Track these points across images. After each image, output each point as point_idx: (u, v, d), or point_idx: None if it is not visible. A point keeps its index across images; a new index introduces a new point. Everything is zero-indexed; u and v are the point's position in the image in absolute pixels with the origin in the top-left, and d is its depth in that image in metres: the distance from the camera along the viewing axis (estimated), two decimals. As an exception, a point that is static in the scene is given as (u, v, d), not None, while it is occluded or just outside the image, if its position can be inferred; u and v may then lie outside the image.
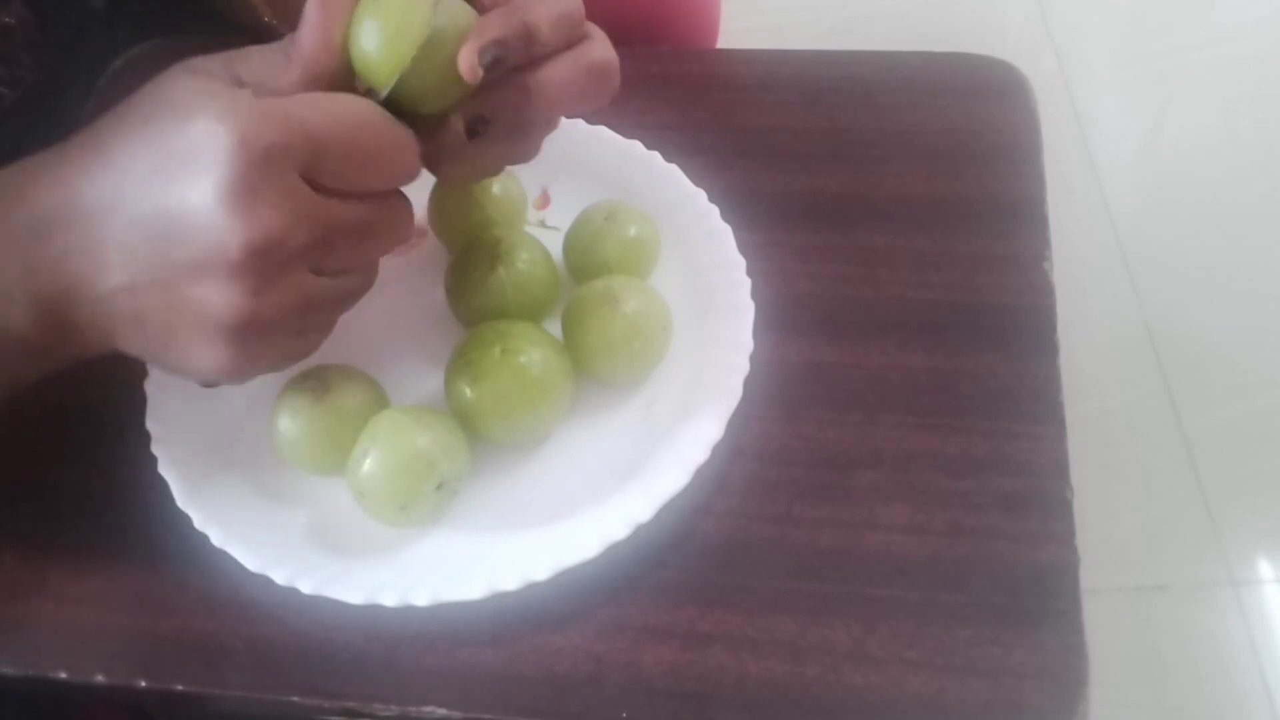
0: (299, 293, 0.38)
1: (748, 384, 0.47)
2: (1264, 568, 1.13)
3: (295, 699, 0.43)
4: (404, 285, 0.54)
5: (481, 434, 0.46)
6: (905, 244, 0.54)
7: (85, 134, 0.38)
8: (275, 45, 0.39)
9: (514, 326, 0.47)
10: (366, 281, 0.42)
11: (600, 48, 0.42)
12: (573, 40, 0.41)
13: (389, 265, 0.54)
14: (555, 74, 0.40)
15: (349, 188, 0.38)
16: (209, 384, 0.42)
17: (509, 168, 0.53)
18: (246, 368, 0.39)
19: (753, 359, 0.47)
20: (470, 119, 0.40)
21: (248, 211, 0.35)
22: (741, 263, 0.50)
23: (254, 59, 0.39)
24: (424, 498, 0.43)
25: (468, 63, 0.38)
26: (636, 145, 0.55)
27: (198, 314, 0.37)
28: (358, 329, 0.52)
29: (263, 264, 0.36)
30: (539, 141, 0.45)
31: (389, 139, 0.38)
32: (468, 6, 0.39)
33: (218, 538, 0.44)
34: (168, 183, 0.35)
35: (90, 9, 0.39)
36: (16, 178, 0.39)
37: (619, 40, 0.45)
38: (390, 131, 0.38)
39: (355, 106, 0.38)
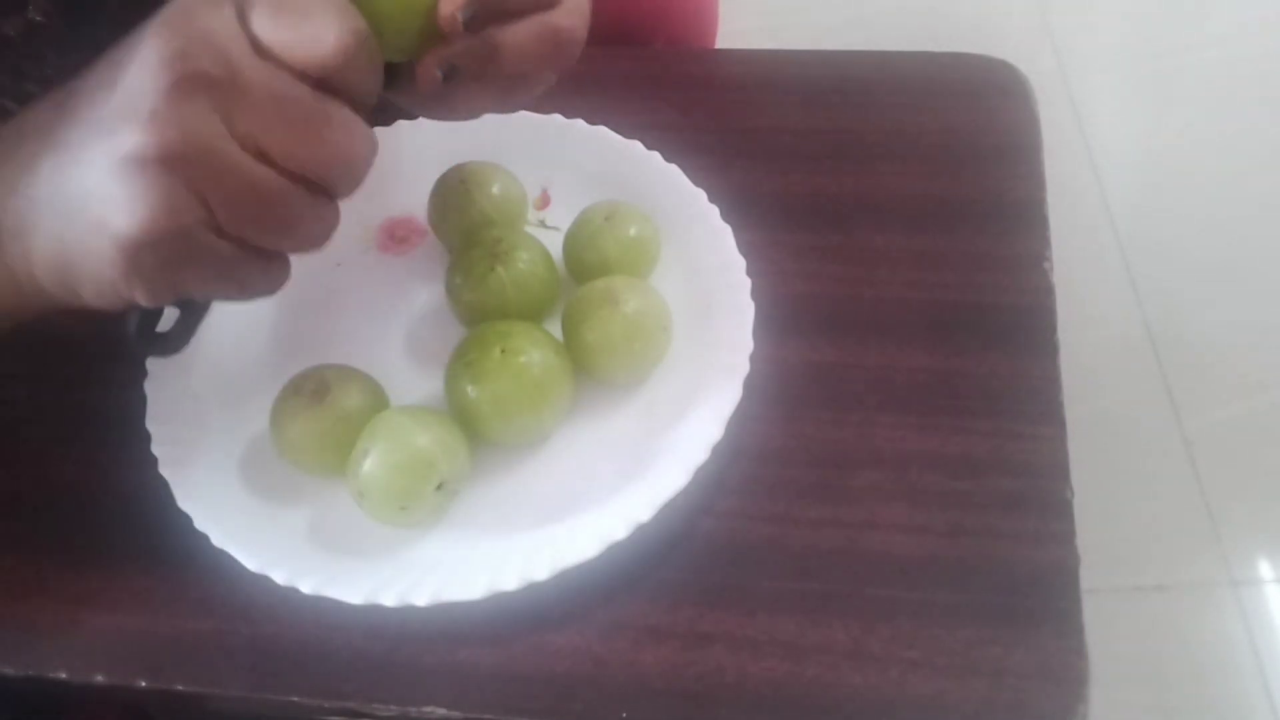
0: (221, 148, 0.34)
1: (748, 384, 0.47)
2: (1264, 568, 1.13)
3: (295, 699, 0.43)
4: (404, 285, 0.54)
5: (481, 434, 0.46)
6: (905, 244, 0.54)
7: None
8: None
9: (514, 326, 0.47)
10: (321, 206, 0.37)
11: (565, 16, 0.41)
12: (542, 2, 0.41)
13: (389, 265, 0.54)
14: (520, 34, 0.40)
15: (291, 55, 0.35)
16: (127, 294, 0.36)
17: (507, 168, 0.53)
18: (164, 238, 0.34)
19: (753, 359, 0.47)
20: (445, 66, 0.40)
21: (161, 31, 0.34)
22: (741, 263, 0.50)
23: None
24: (424, 498, 0.43)
25: (448, 14, 0.38)
26: (636, 145, 0.55)
27: (110, 158, 0.34)
28: (358, 329, 0.52)
29: (172, 77, 0.33)
30: (512, 102, 0.44)
31: (345, 18, 0.36)
32: None
33: (218, 538, 0.44)
34: (94, 82, 0.35)
35: (111, 4, 0.38)
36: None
37: (617, 40, 0.45)
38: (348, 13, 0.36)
39: None
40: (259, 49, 0.34)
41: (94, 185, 0.34)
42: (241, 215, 0.35)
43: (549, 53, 0.41)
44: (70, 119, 0.35)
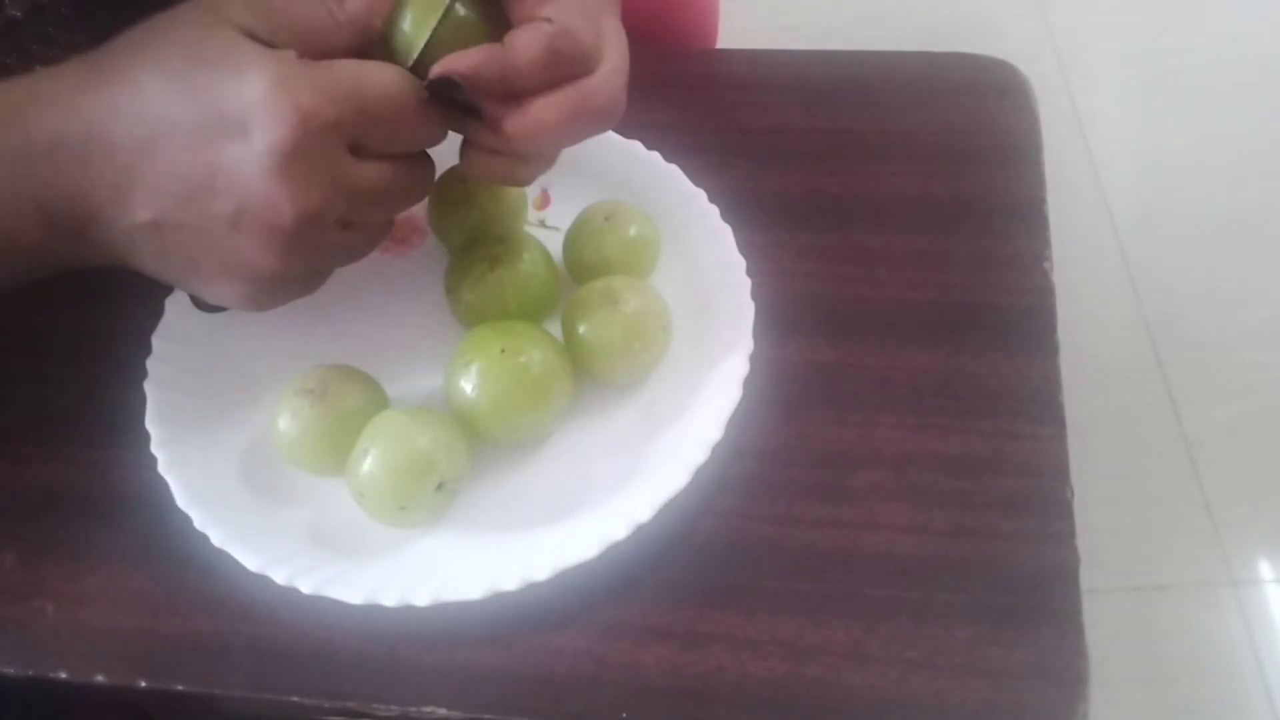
0: (323, 249, 0.41)
1: (748, 384, 0.47)
2: (1264, 568, 1.13)
3: (295, 699, 0.43)
4: (404, 285, 0.54)
5: (481, 434, 0.46)
6: (905, 244, 0.54)
7: (104, 62, 0.39)
8: (315, 1, 0.40)
9: (514, 326, 0.47)
10: (383, 233, 0.44)
11: (603, 81, 0.41)
12: (562, 77, 0.40)
13: (389, 265, 0.54)
14: (547, 104, 0.40)
15: (385, 152, 0.40)
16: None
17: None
18: (264, 305, 0.42)
19: (753, 359, 0.47)
20: (438, 79, 0.39)
21: (300, 184, 0.36)
22: (741, 263, 0.50)
23: (294, 12, 0.39)
24: (424, 498, 0.43)
25: (434, 73, 0.39)
26: (636, 145, 0.55)
27: (225, 261, 0.39)
28: (358, 329, 0.52)
29: (303, 233, 0.38)
30: (535, 169, 0.44)
31: (424, 108, 0.40)
32: (499, 12, 0.41)
33: (218, 538, 0.44)
34: (216, 139, 0.37)
35: None
36: (32, 98, 0.39)
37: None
38: (418, 96, 0.40)
39: (398, 78, 0.39)
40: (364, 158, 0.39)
41: (211, 274, 0.40)
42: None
43: (580, 127, 0.41)
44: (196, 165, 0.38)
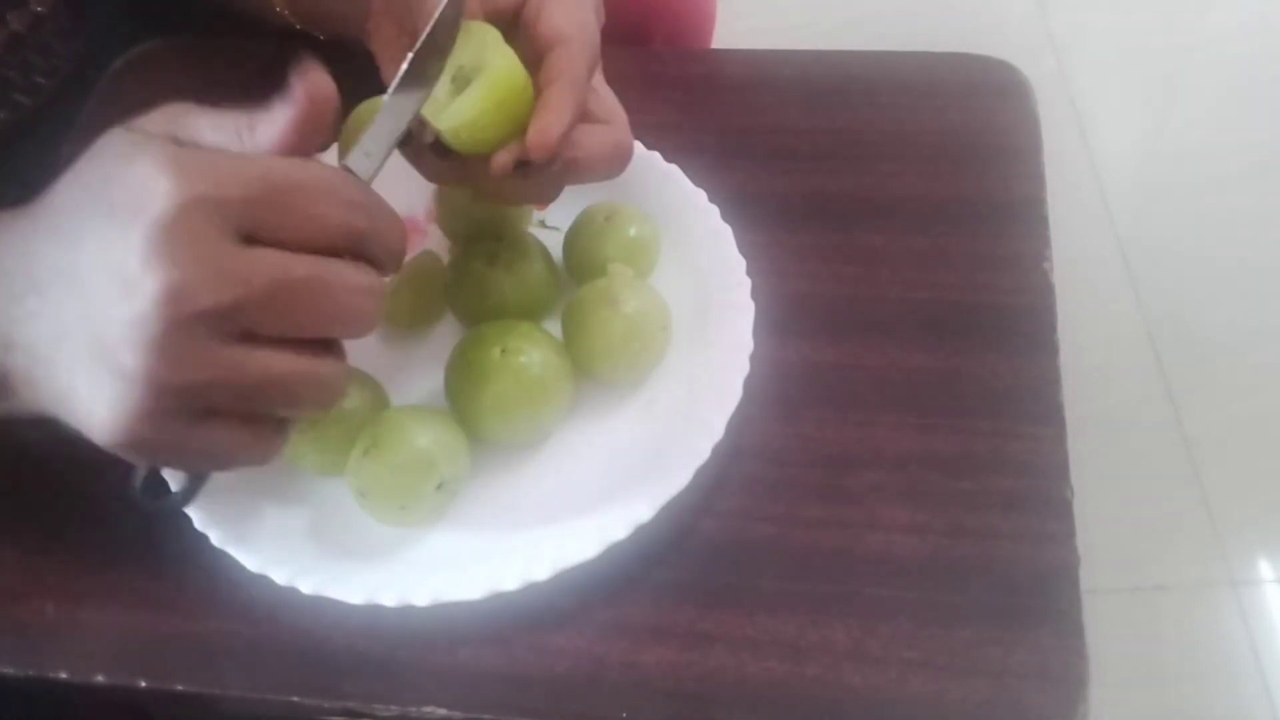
0: (215, 363, 0.34)
1: (748, 384, 0.47)
2: (1264, 568, 1.13)
3: (295, 699, 0.43)
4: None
5: (481, 434, 0.46)
6: (905, 244, 0.54)
7: (46, 196, 0.37)
8: (225, 115, 0.37)
9: (514, 326, 0.47)
10: (325, 372, 0.37)
11: (623, 132, 0.46)
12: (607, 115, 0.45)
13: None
14: (589, 142, 0.43)
15: (292, 238, 0.35)
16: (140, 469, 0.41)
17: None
18: (146, 439, 0.35)
19: (753, 359, 0.47)
20: (520, 159, 0.42)
21: (161, 259, 0.32)
22: (741, 263, 0.50)
23: (202, 125, 0.36)
24: (424, 498, 0.43)
25: (540, 144, 0.40)
26: (637, 145, 0.55)
27: (105, 362, 0.34)
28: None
29: (169, 318, 0.33)
30: (558, 191, 0.46)
31: (344, 192, 0.36)
32: (510, 54, 0.41)
33: (218, 538, 0.44)
34: (101, 228, 0.34)
35: None
36: None
37: (614, 40, 0.45)
38: (349, 187, 0.36)
39: (309, 165, 0.36)
40: (262, 240, 0.34)
41: (83, 378, 0.35)
42: (242, 405, 0.36)
43: (609, 164, 0.45)
44: (60, 280, 0.35)
